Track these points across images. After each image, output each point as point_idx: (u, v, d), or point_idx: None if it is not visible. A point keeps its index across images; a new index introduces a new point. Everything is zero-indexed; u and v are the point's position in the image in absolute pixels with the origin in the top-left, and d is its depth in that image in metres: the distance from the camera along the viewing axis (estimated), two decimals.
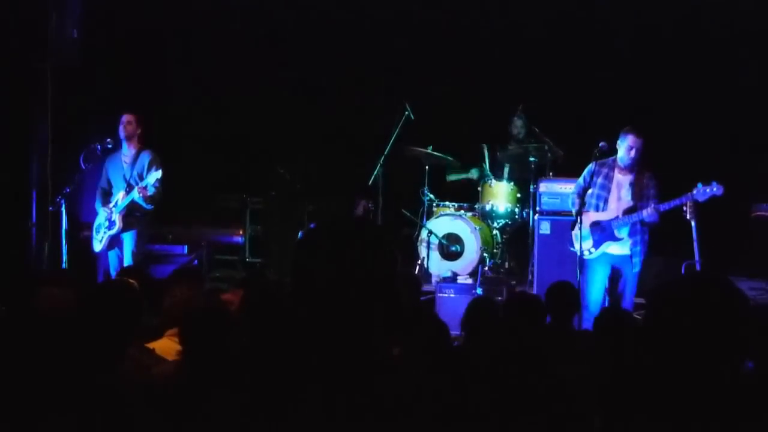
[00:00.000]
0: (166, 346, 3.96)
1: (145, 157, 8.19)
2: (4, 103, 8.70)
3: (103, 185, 8.35)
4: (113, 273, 8.06)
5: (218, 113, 10.61)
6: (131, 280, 3.97)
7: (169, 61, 10.43)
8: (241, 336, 3.56)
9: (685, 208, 7.07)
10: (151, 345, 3.96)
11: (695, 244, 7.12)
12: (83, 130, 9.24)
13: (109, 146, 8.25)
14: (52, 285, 4.59)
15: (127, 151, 8.26)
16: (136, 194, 7.97)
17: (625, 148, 7.19)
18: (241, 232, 10.43)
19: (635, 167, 7.25)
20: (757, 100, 9.40)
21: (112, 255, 8.29)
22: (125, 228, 8.15)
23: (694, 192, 6.94)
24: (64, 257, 8.26)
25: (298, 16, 10.54)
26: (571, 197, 7.58)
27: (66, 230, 8.26)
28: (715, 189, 6.91)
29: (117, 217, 8.11)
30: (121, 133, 8.22)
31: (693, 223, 7.10)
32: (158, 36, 10.33)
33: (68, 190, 8.23)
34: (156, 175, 7.90)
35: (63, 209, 8.19)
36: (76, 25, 8.74)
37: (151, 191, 7.94)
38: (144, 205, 8.08)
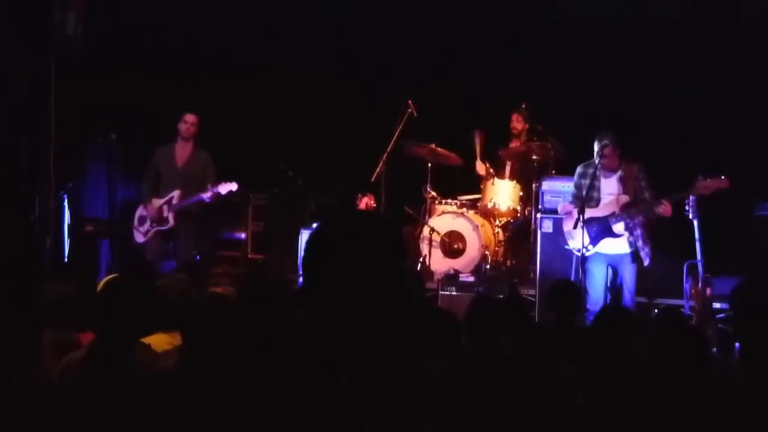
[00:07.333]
0: (161, 341, 3.97)
1: (204, 159, 8.39)
2: (8, 96, 8.68)
3: (151, 177, 8.43)
4: (151, 261, 8.22)
5: (221, 109, 10.59)
6: (146, 278, 3.98)
7: (173, 57, 10.41)
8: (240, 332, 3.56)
9: (687, 208, 7.07)
10: (145, 340, 3.97)
11: (698, 244, 7.11)
12: (88, 124, 9.23)
13: (113, 141, 8.24)
14: (53, 279, 4.59)
15: (183, 150, 8.39)
16: (206, 197, 8.09)
17: (596, 153, 7.38)
18: (243, 229, 10.42)
19: (619, 163, 7.37)
20: (764, 99, 9.37)
21: (153, 247, 8.33)
22: (180, 225, 8.25)
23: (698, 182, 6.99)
24: (65, 252, 8.25)
25: (301, 12, 10.51)
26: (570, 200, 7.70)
27: (69, 225, 8.25)
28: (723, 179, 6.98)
29: (170, 215, 8.19)
30: (183, 132, 8.36)
31: (695, 223, 7.10)
32: (162, 31, 10.31)
33: (71, 185, 8.23)
34: (230, 187, 8.07)
35: (65, 204, 8.18)
36: (81, 18, 8.71)
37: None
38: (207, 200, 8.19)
